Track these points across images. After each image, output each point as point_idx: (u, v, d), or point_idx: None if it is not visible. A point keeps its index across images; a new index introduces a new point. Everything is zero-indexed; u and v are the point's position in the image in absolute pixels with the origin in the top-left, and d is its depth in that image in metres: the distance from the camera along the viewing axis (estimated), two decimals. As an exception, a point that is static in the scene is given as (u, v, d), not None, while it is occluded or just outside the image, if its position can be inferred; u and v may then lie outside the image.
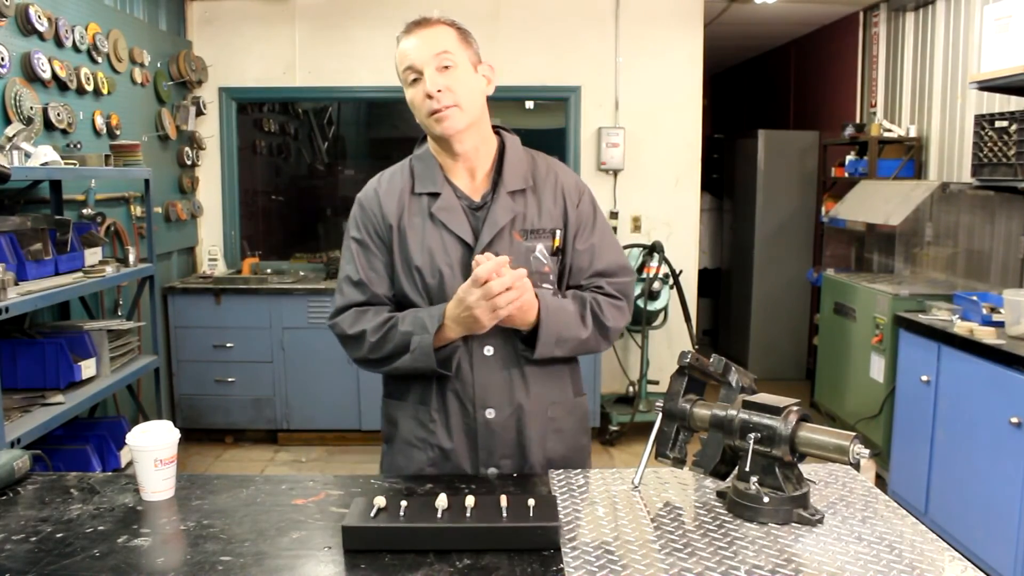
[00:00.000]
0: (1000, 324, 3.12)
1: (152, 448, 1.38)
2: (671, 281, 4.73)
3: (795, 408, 1.32)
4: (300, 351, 4.59)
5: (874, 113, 5.26)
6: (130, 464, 1.44)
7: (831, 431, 1.30)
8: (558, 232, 1.64)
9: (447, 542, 1.20)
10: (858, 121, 5.32)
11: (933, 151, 4.61)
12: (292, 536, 1.27)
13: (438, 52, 1.54)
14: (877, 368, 3.97)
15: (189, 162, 4.87)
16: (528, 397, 1.62)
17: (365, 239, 1.64)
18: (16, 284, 2.58)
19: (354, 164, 6.50)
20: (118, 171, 3.54)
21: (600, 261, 1.68)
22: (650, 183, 5.15)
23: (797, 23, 5.97)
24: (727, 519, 1.32)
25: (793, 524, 1.29)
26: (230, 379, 4.63)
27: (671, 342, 5.13)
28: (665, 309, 4.83)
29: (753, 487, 1.30)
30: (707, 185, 6.67)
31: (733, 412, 1.36)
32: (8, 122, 2.99)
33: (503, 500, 1.26)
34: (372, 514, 1.23)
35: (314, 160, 6.37)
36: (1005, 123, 3.38)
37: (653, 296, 4.63)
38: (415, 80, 1.56)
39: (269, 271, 5.00)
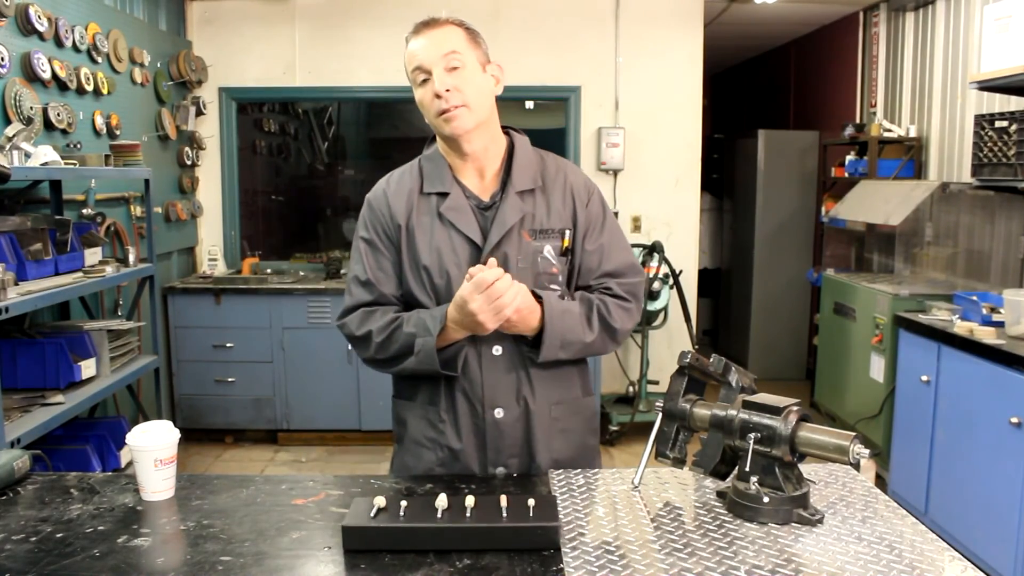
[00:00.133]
0: (1000, 324, 3.12)
1: (152, 448, 1.38)
2: (671, 281, 4.73)
3: (795, 408, 1.32)
4: (300, 351, 4.59)
5: (874, 113, 5.26)
6: (130, 464, 1.44)
7: (831, 431, 1.30)
8: (567, 232, 1.64)
9: (447, 542, 1.20)
10: (858, 121, 5.32)
11: (933, 151, 4.61)
12: (292, 536, 1.27)
13: (446, 52, 1.54)
14: (877, 368, 3.97)
15: (189, 162, 4.87)
16: (536, 397, 1.62)
17: (373, 239, 1.64)
18: (16, 284, 2.58)
19: (354, 164, 6.50)
20: (118, 171, 3.54)
21: (609, 262, 1.68)
22: (650, 183, 5.15)
23: (797, 23, 5.97)
24: (727, 519, 1.32)
25: (793, 524, 1.29)
26: (230, 379, 4.63)
27: (671, 342, 5.13)
28: (665, 309, 4.83)
29: (753, 487, 1.30)
30: (707, 185, 6.67)
31: (733, 412, 1.36)
32: (8, 122, 2.99)
33: (503, 500, 1.26)
34: (372, 514, 1.23)
35: (314, 160, 6.37)
36: (1005, 123, 3.38)
37: (653, 296, 4.63)
38: (424, 80, 1.56)
39: (269, 271, 5.00)
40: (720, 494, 1.40)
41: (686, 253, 5.18)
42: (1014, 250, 3.71)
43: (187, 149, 4.83)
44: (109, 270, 3.11)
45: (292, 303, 4.57)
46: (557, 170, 1.69)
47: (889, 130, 4.82)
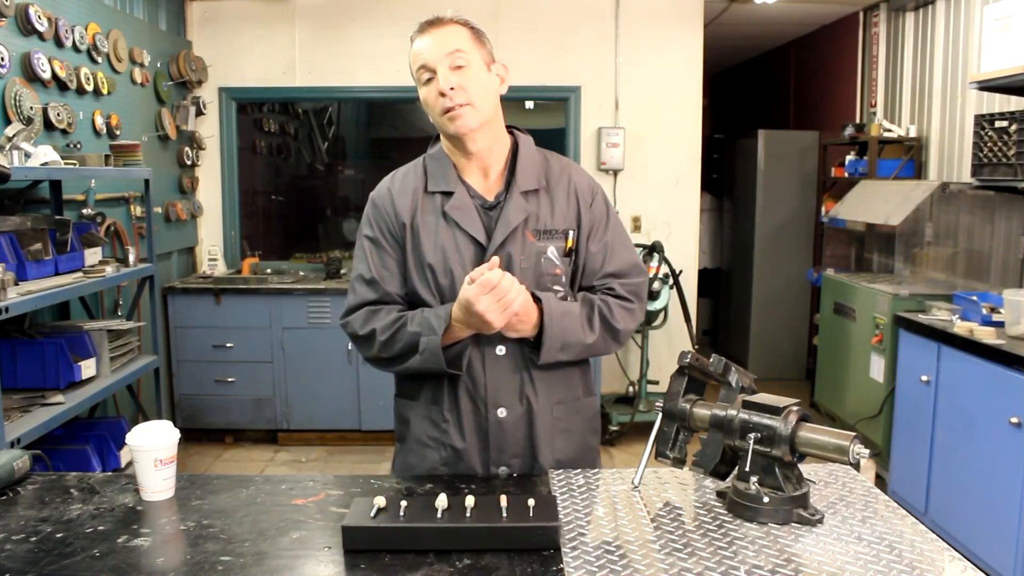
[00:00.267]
0: (1000, 324, 3.12)
1: (152, 448, 1.38)
2: (671, 281, 4.73)
3: (795, 408, 1.32)
4: (300, 351, 4.59)
5: (874, 113, 5.26)
6: (130, 464, 1.44)
7: (831, 431, 1.30)
8: (571, 233, 1.64)
9: (447, 542, 1.20)
10: (858, 121, 5.32)
11: (933, 151, 4.61)
12: (292, 536, 1.27)
13: (451, 51, 1.54)
14: (877, 368, 3.97)
15: (189, 162, 4.87)
16: (538, 397, 1.62)
17: (378, 237, 1.64)
18: (16, 284, 2.58)
19: (354, 164, 6.50)
20: (118, 171, 3.54)
21: (612, 262, 1.68)
22: (650, 183, 5.15)
23: (797, 23, 5.97)
24: (727, 519, 1.32)
25: (793, 524, 1.29)
26: (230, 379, 4.62)
27: (671, 342, 5.13)
28: (665, 309, 4.82)
29: (753, 487, 1.30)
30: (707, 185, 6.67)
31: (733, 412, 1.36)
32: (8, 122, 2.99)
33: (503, 500, 1.26)
34: (372, 514, 1.23)
35: (314, 160, 6.37)
36: (1005, 123, 3.38)
37: (653, 296, 4.63)
38: (428, 79, 1.56)
39: (269, 271, 5.00)
40: (720, 494, 1.40)
41: (686, 253, 5.18)
42: (1014, 250, 3.71)
43: (187, 149, 4.83)
44: (109, 270, 3.11)
45: (292, 303, 4.57)
46: (561, 170, 1.69)
47: (889, 130, 4.82)
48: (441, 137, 1.67)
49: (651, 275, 4.62)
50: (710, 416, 1.41)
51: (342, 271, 4.88)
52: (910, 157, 4.70)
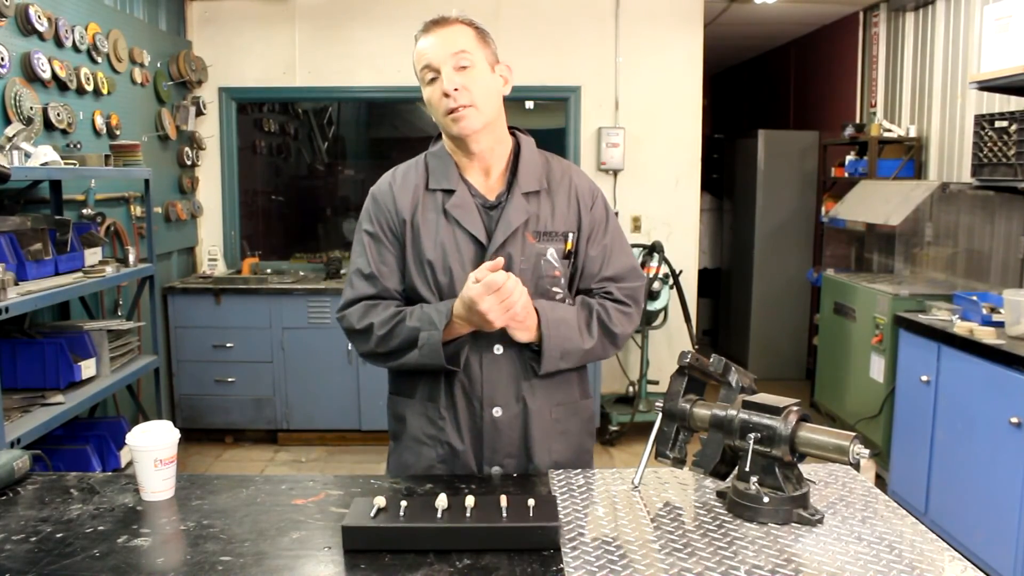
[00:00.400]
0: (1000, 324, 3.12)
1: (152, 448, 1.38)
2: (671, 281, 4.73)
3: (795, 408, 1.32)
4: (300, 351, 4.59)
5: (874, 113, 5.26)
6: (130, 464, 1.44)
7: (831, 431, 1.30)
8: (571, 235, 1.65)
9: (447, 542, 1.20)
10: (858, 121, 5.32)
11: (933, 151, 4.61)
12: (292, 536, 1.27)
13: (456, 51, 1.54)
14: (877, 368, 3.97)
15: (189, 162, 4.87)
16: (535, 397, 1.62)
17: (377, 232, 1.64)
18: (16, 284, 2.58)
19: (354, 164, 6.50)
20: (118, 171, 3.54)
21: (611, 266, 1.68)
22: (650, 183, 5.15)
23: (797, 23, 5.97)
24: (727, 519, 1.32)
25: (793, 524, 1.29)
26: (230, 379, 4.62)
27: (671, 342, 5.13)
28: (665, 309, 4.83)
29: (753, 487, 1.30)
30: (707, 185, 6.67)
31: (733, 412, 1.36)
32: (8, 122, 2.99)
33: (503, 500, 1.26)
34: (372, 514, 1.23)
35: (314, 160, 6.37)
36: (1005, 123, 3.38)
37: (653, 296, 4.63)
38: (432, 79, 1.57)
39: (269, 271, 5.00)
40: (720, 494, 1.40)
41: (686, 253, 5.18)
42: (1014, 250, 3.71)
43: (187, 149, 4.83)
44: (109, 270, 3.11)
45: (292, 303, 4.57)
46: (563, 173, 1.70)
47: (889, 130, 4.82)
48: (443, 135, 1.67)
49: (651, 275, 4.62)
50: (710, 416, 1.41)
51: (342, 271, 4.88)
52: (910, 157, 4.70)
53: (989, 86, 3.49)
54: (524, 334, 1.55)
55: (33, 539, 1.25)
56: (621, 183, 5.15)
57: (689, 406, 1.45)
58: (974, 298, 3.33)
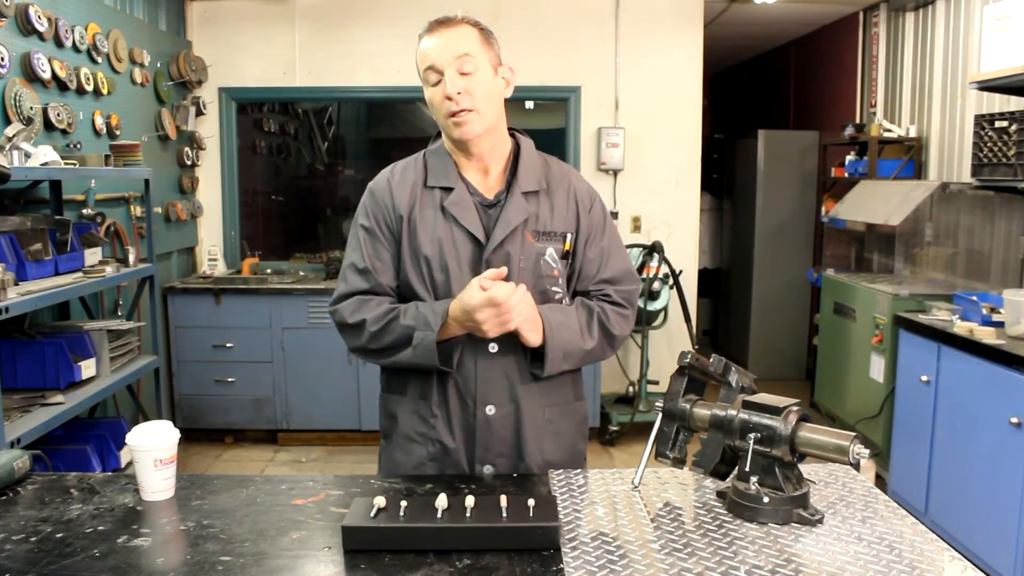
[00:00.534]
0: (1000, 324, 3.12)
1: (152, 448, 1.38)
2: (671, 281, 4.73)
3: (795, 408, 1.32)
4: (300, 351, 4.59)
5: (874, 113, 5.26)
6: (130, 464, 1.44)
7: (831, 431, 1.30)
8: (569, 236, 1.65)
9: (447, 542, 1.20)
10: (858, 121, 5.32)
11: (933, 151, 4.60)
12: (292, 536, 1.27)
13: (460, 55, 1.54)
14: (877, 368, 3.97)
15: (189, 162, 4.87)
16: (529, 397, 1.62)
17: (373, 227, 1.64)
18: (16, 284, 2.58)
19: (354, 164, 6.51)
20: (118, 171, 3.54)
21: (608, 268, 1.69)
22: (650, 183, 5.15)
23: (797, 23, 5.97)
24: (727, 519, 1.32)
25: (793, 524, 1.29)
26: (230, 379, 4.62)
27: (671, 342, 5.13)
28: (665, 309, 4.83)
29: (753, 487, 1.30)
30: (707, 185, 6.67)
31: (733, 412, 1.36)
32: (8, 122, 2.99)
33: (503, 500, 1.26)
34: (372, 514, 1.23)
35: (314, 160, 6.37)
36: (1005, 123, 3.38)
37: (653, 296, 4.63)
38: (436, 81, 1.56)
39: (269, 271, 5.00)
40: (720, 494, 1.40)
41: (686, 253, 5.18)
42: (1014, 250, 3.71)
43: (187, 149, 4.83)
44: (109, 270, 3.11)
45: (292, 303, 4.57)
46: (562, 174, 1.71)
47: (889, 130, 4.82)
48: (443, 134, 1.67)
49: (651, 275, 4.62)
50: (710, 416, 1.41)
51: (342, 271, 4.87)
52: (910, 157, 4.70)
53: (989, 86, 3.49)
54: (535, 335, 1.55)
55: (33, 539, 1.25)
56: (621, 183, 5.15)
57: (689, 406, 1.45)
58: (974, 298, 3.33)
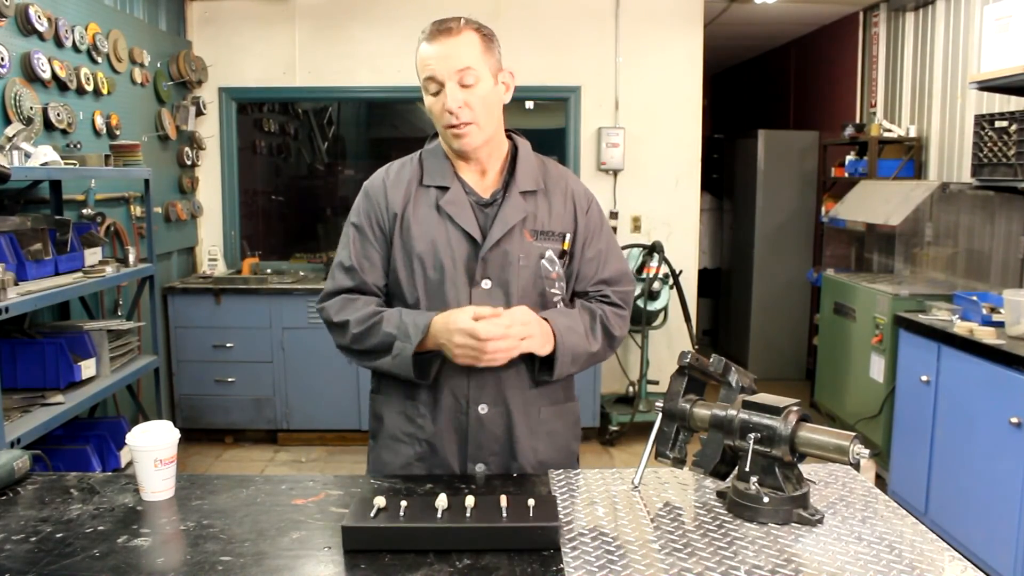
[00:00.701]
0: (1000, 324, 3.12)
1: (152, 448, 1.38)
2: (671, 281, 4.73)
3: (795, 408, 1.32)
4: (300, 351, 4.59)
5: (874, 113, 5.26)
6: (130, 464, 1.44)
7: (831, 431, 1.30)
8: (567, 236, 1.65)
9: (447, 542, 1.20)
10: (858, 121, 5.32)
11: (933, 151, 4.60)
12: (292, 536, 1.27)
13: (461, 68, 1.53)
14: (877, 368, 3.97)
15: (189, 162, 4.87)
16: (522, 396, 1.63)
17: (364, 226, 1.65)
18: (16, 284, 2.58)
19: (354, 164, 6.51)
20: (118, 171, 3.54)
21: (606, 269, 1.70)
22: (650, 183, 5.15)
23: (797, 23, 5.97)
24: (727, 519, 1.32)
25: (793, 524, 1.29)
26: (230, 379, 4.62)
27: (671, 342, 5.13)
28: (665, 309, 4.83)
29: (753, 487, 1.30)
30: (707, 185, 6.67)
31: (733, 412, 1.36)
32: (8, 122, 2.99)
33: (503, 500, 1.26)
34: (372, 514, 1.23)
35: (314, 160, 6.38)
36: (1005, 123, 3.38)
37: (653, 296, 4.63)
38: (436, 91, 1.56)
39: (269, 271, 5.00)
40: (720, 494, 1.40)
41: (686, 253, 5.18)
42: (1014, 250, 3.71)
43: (187, 149, 4.83)
44: (109, 270, 3.11)
45: (292, 303, 4.57)
46: (559, 175, 1.72)
47: (889, 130, 4.82)
48: (439, 133, 1.67)
49: (651, 275, 4.62)
50: (710, 416, 1.41)
51: (342, 271, 4.87)
52: (910, 157, 4.70)
53: (989, 86, 3.49)
54: (547, 347, 1.55)
55: (33, 539, 1.25)
56: (621, 183, 5.15)
57: (689, 406, 1.45)
58: (974, 298, 3.33)
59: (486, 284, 1.58)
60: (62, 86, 3.41)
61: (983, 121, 3.54)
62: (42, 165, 2.86)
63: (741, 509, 1.32)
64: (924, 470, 3.39)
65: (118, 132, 3.91)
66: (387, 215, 1.63)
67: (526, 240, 1.61)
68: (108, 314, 3.81)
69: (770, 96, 7.33)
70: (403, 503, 1.25)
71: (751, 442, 1.31)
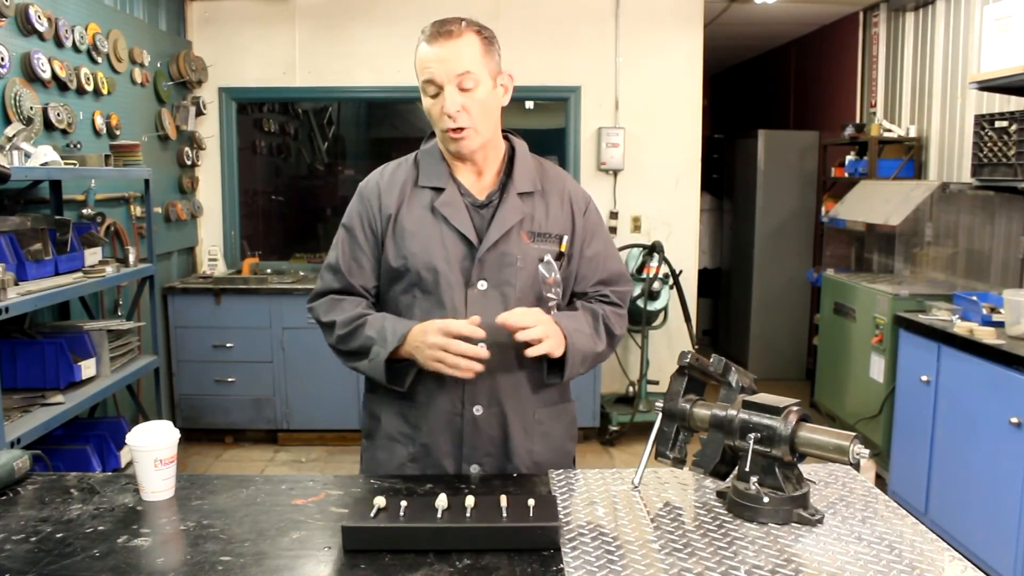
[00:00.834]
0: (1000, 324, 3.12)
1: (152, 448, 1.38)
2: (671, 281, 4.73)
3: (795, 408, 1.32)
4: (300, 351, 4.59)
5: (874, 113, 5.26)
6: (130, 464, 1.44)
7: (831, 431, 1.30)
8: (564, 238, 1.65)
9: (447, 542, 1.20)
10: (858, 121, 5.32)
11: (933, 151, 4.60)
12: (292, 536, 1.27)
13: (461, 72, 1.52)
14: (877, 368, 3.97)
15: (189, 162, 4.87)
16: (518, 397, 1.63)
17: (355, 228, 1.65)
18: (16, 284, 2.58)
19: (354, 164, 6.50)
20: (118, 171, 3.54)
21: (604, 270, 1.71)
22: (650, 183, 5.15)
23: (797, 23, 5.97)
24: (727, 519, 1.32)
25: (793, 524, 1.29)
26: (230, 379, 4.62)
27: (671, 342, 5.13)
28: (665, 309, 4.83)
29: (753, 487, 1.30)
30: (707, 185, 6.67)
31: (733, 412, 1.36)
32: (8, 122, 2.99)
33: (503, 500, 1.26)
34: (372, 514, 1.23)
35: (314, 160, 6.37)
36: (1005, 123, 3.38)
37: (653, 296, 4.63)
38: (435, 94, 1.55)
39: (269, 271, 5.00)
40: (720, 494, 1.40)
41: (686, 253, 5.18)
42: (1014, 250, 3.71)
43: (187, 149, 4.83)
44: (109, 270, 3.11)
45: (292, 303, 4.57)
46: (556, 177, 1.72)
47: (889, 130, 4.82)
48: (437, 135, 1.67)
49: (651, 275, 4.62)
50: (710, 416, 1.41)
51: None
52: (910, 157, 4.70)
53: (989, 86, 3.49)
54: (559, 349, 1.55)
55: (33, 539, 1.25)
56: (621, 183, 5.15)
57: (689, 406, 1.45)
58: (974, 298, 3.33)
59: (482, 285, 1.58)
60: (62, 86, 3.41)
61: (983, 121, 3.54)
62: (42, 165, 2.86)
63: (741, 509, 1.32)
64: (924, 470, 3.39)
65: (118, 132, 3.91)
66: (380, 217, 1.63)
67: (523, 242, 1.61)
68: (108, 314, 3.81)
69: (770, 96, 7.33)
70: (403, 503, 1.25)
71: (751, 442, 1.31)
